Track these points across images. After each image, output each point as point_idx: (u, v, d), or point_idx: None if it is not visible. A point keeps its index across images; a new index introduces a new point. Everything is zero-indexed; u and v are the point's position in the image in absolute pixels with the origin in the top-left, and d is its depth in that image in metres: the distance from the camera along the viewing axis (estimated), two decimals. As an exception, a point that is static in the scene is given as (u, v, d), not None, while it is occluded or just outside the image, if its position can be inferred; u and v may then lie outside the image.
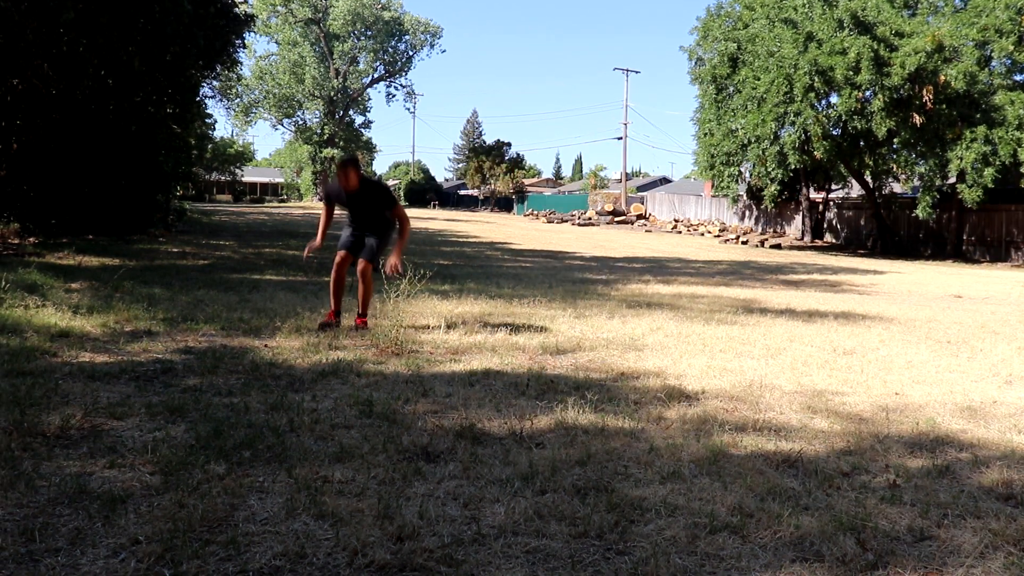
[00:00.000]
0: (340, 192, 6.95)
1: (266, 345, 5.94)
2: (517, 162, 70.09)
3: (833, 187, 35.98)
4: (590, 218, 46.13)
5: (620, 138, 57.04)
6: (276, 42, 69.77)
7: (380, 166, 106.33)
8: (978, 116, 25.06)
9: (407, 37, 70.39)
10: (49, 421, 3.82)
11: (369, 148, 74.91)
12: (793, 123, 26.80)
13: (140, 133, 18.14)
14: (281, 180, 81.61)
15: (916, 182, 28.56)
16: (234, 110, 57.93)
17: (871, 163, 28.92)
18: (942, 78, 24.57)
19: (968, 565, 2.70)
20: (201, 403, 4.28)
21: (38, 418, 3.85)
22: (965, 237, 29.52)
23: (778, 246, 32.26)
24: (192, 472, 3.26)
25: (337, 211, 7.22)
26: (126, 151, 17.71)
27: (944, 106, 24.94)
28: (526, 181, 74.51)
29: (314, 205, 62.05)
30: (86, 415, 3.94)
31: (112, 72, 14.70)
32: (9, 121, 15.32)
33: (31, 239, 15.22)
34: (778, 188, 29.73)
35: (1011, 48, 24.91)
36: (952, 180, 26.52)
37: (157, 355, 5.48)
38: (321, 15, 67.64)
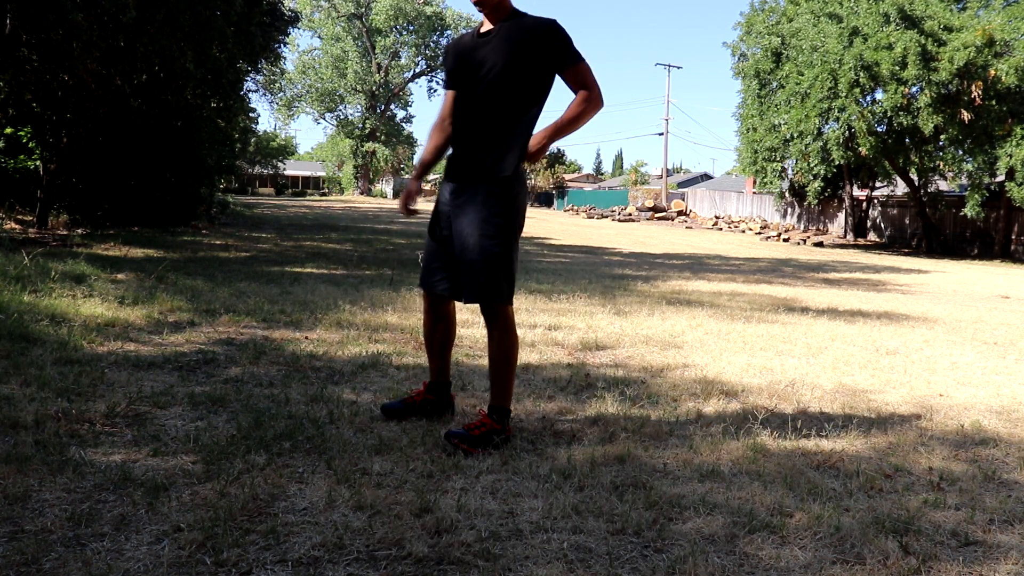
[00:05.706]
0: None
1: (307, 337, 6.00)
2: (557, 157, 69.96)
3: (877, 184, 35.43)
4: (630, 214, 45.92)
5: (661, 134, 56.63)
6: (319, 37, 70.38)
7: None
8: (1029, 112, 24.52)
9: (449, 32, 70.53)
10: (95, 409, 3.89)
11: (410, 143, 75.24)
12: (837, 119, 26.42)
13: (184, 127, 18.47)
14: (323, 174, 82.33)
15: (963, 180, 28.02)
16: (277, 104, 58.48)
17: (917, 160, 28.40)
18: (992, 73, 24.03)
19: (1015, 572, 2.65)
20: (242, 394, 4.33)
21: (85, 406, 3.93)
22: (1014, 237, 28.92)
23: (820, 244, 31.87)
24: (233, 462, 3.30)
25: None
26: (171, 145, 18.05)
27: (994, 102, 24.40)
28: (566, 176, 74.30)
29: (355, 199, 62.38)
30: (131, 404, 4.01)
31: (163, 68, 14.94)
32: (59, 115, 15.65)
33: (79, 230, 15.53)
34: (821, 185, 29.37)
35: (1065, 42, 24.31)
36: (1001, 178, 25.97)
37: (199, 346, 5.55)
38: (364, 10, 68.03)
